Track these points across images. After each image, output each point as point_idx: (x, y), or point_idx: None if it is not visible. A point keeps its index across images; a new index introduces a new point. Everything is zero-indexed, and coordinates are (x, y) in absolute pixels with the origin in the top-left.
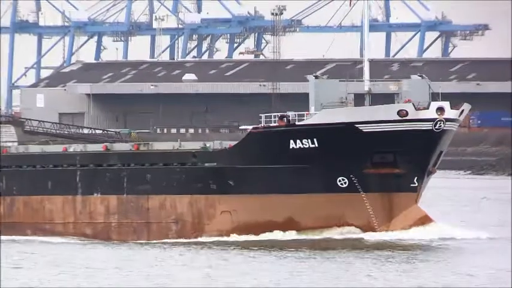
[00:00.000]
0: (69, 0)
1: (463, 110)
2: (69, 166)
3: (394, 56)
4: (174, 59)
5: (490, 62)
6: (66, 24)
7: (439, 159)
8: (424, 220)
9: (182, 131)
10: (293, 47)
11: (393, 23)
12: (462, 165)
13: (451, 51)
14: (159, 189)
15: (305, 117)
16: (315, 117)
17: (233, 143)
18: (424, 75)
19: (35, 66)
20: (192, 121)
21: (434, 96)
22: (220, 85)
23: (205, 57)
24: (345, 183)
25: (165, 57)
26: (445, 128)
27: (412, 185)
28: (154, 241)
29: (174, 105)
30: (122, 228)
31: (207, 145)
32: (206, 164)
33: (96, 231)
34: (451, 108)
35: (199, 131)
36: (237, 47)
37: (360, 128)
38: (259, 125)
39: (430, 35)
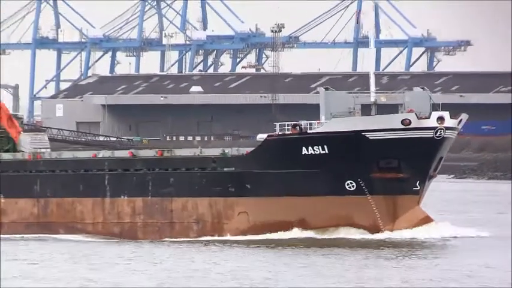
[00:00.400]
0: (86, 18)
1: (461, 119)
2: (99, 171)
3: (383, 69)
4: (182, 72)
5: (472, 75)
6: (83, 40)
7: (439, 165)
8: (426, 220)
9: (189, 138)
10: (291, 62)
11: (383, 40)
12: (446, 170)
13: (435, 65)
14: (181, 192)
15: (316, 126)
16: (325, 125)
17: (250, 149)
18: (425, 88)
19: (54, 79)
20: (198, 129)
21: (435, 107)
22: (224, 96)
23: (210, 70)
24: (353, 186)
25: (174, 70)
26: (445, 135)
27: (414, 188)
28: (178, 239)
29: (182, 115)
30: (147, 228)
31: (226, 151)
32: (225, 169)
33: (123, 231)
34: (451, 118)
35: (205, 138)
36: (239, 61)
37: (367, 135)
38: (274, 133)
39: (417, 51)
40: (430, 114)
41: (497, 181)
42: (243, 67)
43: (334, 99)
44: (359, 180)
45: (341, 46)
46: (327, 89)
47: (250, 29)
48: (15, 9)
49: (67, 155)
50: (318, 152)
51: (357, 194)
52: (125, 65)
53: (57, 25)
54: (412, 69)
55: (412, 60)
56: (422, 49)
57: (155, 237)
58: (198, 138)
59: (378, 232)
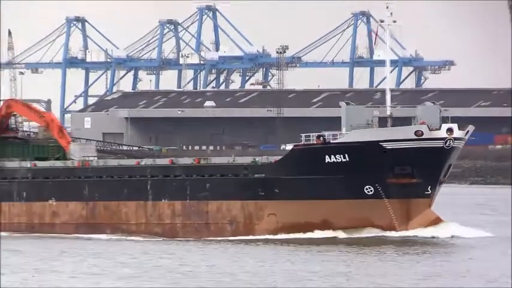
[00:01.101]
0: (111, 40)
1: (468, 131)
2: (142, 177)
3: (376, 86)
4: (196, 89)
5: (455, 92)
6: (108, 60)
7: (448, 171)
8: (437, 221)
9: (203, 148)
10: (294, 79)
11: (375, 60)
12: None
13: (423, 83)
14: (216, 196)
15: (338, 137)
16: (346, 136)
17: (278, 157)
18: (435, 102)
19: (83, 94)
20: (211, 140)
21: (444, 119)
22: (234, 110)
23: (222, 87)
24: (371, 191)
25: (190, 87)
26: (453, 145)
27: (426, 192)
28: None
29: (196, 127)
30: (185, 228)
31: (256, 159)
32: (255, 175)
33: (164, 231)
34: (458, 129)
35: (217, 148)
36: (248, 79)
37: (384, 145)
38: (300, 143)
39: (406, 69)
40: (440, 126)
41: (478, 186)
42: (251, 84)
43: (354, 113)
44: (376, 185)
45: (338, 66)
46: (347, 103)
47: (257, 50)
48: (47, 32)
49: (112, 162)
50: (340, 160)
51: (375, 198)
52: (146, 82)
53: (85, 46)
54: (402, 86)
55: (402, 78)
56: (411, 68)
57: (193, 236)
58: (211, 147)
59: (394, 231)
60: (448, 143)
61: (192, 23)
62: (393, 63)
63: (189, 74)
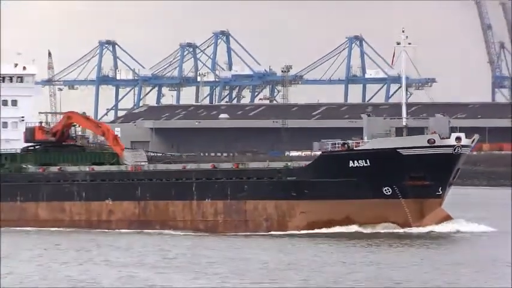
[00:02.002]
0: (138, 60)
1: (474, 139)
2: (187, 179)
3: (368, 100)
4: (212, 103)
5: (436, 105)
6: (135, 78)
7: (457, 174)
8: (447, 218)
9: (218, 154)
10: (297, 95)
11: (368, 78)
12: None
13: (408, 97)
14: (253, 196)
15: (360, 144)
16: (368, 144)
17: (307, 162)
18: (445, 114)
19: (113, 108)
20: (225, 147)
21: (453, 129)
22: (245, 122)
23: (234, 102)
24: (389, 191)
25: (206, 101)
26: (461, 152)
27: (437, 193)
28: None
29: (212, 136)
30: (226, 224)
31: (288, 164)
32: (288, 178)
33: (207, 227)
34: (466, 138)
35: (230, 154)
36: (257, 94)
37: (400, 152)
38: (327, 150)
39: (394, 86)
40: (450, 135)
41: (459, 186)
42: (259, 99)
43: (374, 123)
44: (394, 186)
45: (335, 83)
46: (369, 115)
47: (265, 70)
48: (82, 54)
49: (161, 167)
50: (362, 165)
51: (392, 198)
52: (168, 97)
53: (115, 66)
54: (391, 100)
55: (391, 93)
56: (398, 85)
57: (232, 231)
58: (225, 154)
59: (409, 227)
60: (456, 150)
61: (208, 46)
62: (382, 80)
63: (205, 90)
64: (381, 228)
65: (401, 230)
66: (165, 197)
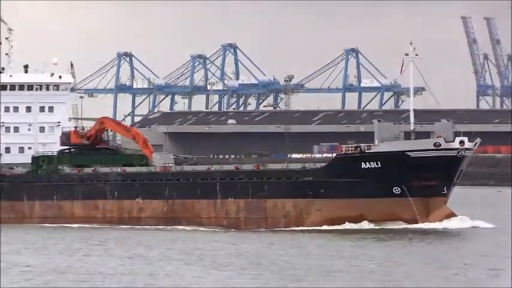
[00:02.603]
0: (153, 70)
1: (476, 143)
2: (212, 179)
3: (363, 107)
4: (221, 109)
5: (426, 112)
6: (150, 87)
7: (460, 175)
8: (451, 215)
9: (226, 156)
10: (298, 102)
11: (363, 86)
12: None
13: (400, 105)
14: (272, 195)
15: (372, 148)
16: (378, 147)
17: (323, 164)
18: (449, 119)
19: (130, 114)
20: (233, 150)
21: (457, 133)
22: (251, 127)
23: (241, 108)
24: (398, 191)
25: (215, 108)
26: (464, 154)
27: (443, 192)
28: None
29: (221, 140)
30: (247, 221)
31: (305, 165)
32: (305, 178)
33: (230, 223)
34: (469, 141)
35: (238, 156)
36: (262, 102)
37: (409, 154)
38: (341, 152)
39: (387, 94)
40: (454, 138)
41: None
42: (264, 106)
43: (384, 128)
44: (403, 186)
45: (333, 91)
46: (379, 121)
47: (269, 79)
48: (102, 64)
49: (188, 168)
50: (373, 166)
51: (401, 196)
52: (181, 104)
53: (132, 76)
54: (384, 107)
55: (384, 100)
56: (391, 93)
57: (253, 227)
58: (232, 156)
59: (416, 224)
60: (460, 152)
61: (217, 57)
62: (377, 89)
63: (215, 98)
64: (389, 225)
65: (408, 226)
66: (191, 195)
